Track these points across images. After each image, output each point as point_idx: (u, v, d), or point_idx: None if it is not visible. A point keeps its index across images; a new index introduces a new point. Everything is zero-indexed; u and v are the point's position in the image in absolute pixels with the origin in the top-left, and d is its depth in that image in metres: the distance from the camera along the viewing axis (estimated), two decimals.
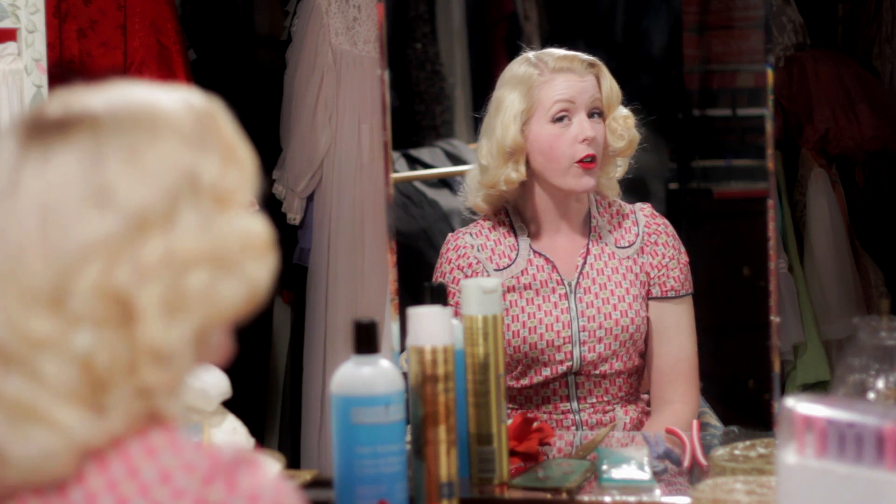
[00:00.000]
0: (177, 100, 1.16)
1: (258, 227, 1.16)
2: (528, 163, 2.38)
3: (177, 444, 1.10)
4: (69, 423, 1.08)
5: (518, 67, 2.40)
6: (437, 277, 2.39)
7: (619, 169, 2.44)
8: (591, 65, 2.39)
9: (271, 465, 1.12)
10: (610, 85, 2.39)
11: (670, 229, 2.43)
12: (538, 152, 2.37)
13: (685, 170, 3.71)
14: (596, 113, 2.38)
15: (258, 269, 1.15)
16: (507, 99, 2.38)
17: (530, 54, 2.41)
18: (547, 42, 2.49)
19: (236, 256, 1.14)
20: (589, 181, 2.36)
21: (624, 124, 2.40)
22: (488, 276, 2.36)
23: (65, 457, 1.08)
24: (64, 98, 1.15)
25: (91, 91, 1.16)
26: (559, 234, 2.41)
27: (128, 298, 1.09)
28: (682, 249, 2.42)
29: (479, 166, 2.42)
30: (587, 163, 2.34)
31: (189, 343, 1.12)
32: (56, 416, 1.08)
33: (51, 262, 1.09)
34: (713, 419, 2.42)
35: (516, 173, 2.37)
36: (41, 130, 1.12)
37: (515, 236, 2.40)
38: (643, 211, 2.44)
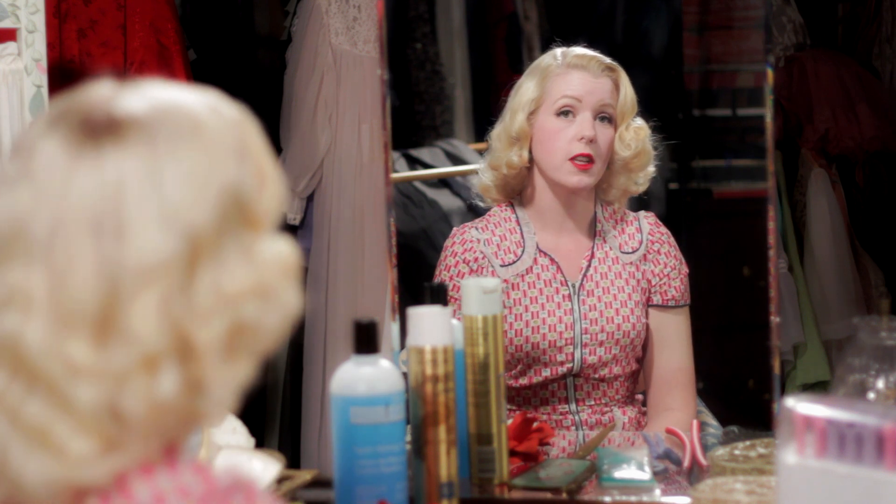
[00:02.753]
0: (214, 109, 1.09)
1: (289, 251, 1.11)
2: (531, 151, 2.39)
3: (174, 465, 1.06)
4: (80, 455, 1.02)
5: (544, 58, 2.43)
6: (442, 271, 2.39)
7: (638, 186, 2.42)
8: (611, 69, 2.39)
9: (268, 495, 1.09)
10: (626, 92, 2.39)
11: (672, 240, 2.43)
12: (539, 142, 2.38)
13: (685, 170, 3.71)
14: (605, 117, 2.37)
15: (292, 294, 1.11)
16: (524, 86, 2.41)
17: (559, 49, 2.42)
18: (547, 42, 2.49)
19: (275, 285, 1.09)
20: (582, 179, 2.35)
21: (634, 135, 2.39)
22: (493, 271, 2.36)
23: (64, 490, 1.03)
24: (101, 96, 1.08)
25: (127, 91, 1.08)
26: (564, 234, 2.41)
27: (186, 333, 1.03)
28: (683, 261, 2.42)
29: (490, 146, 2.44)
30: (582, 162, 2.34)
31: (239, 379, 1.09)
32: (70, 446, 1.02)
33: (103, 281, 1.01)
34: (710, 419, 2.42)
35: (518, 158, 2.39)
36: (92, 130, 1.04)
37: (521, 233, 2.40)
38: (647, 219, 2.44)
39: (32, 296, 1.02)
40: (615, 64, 2.41)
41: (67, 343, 1.02)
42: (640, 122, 2.41)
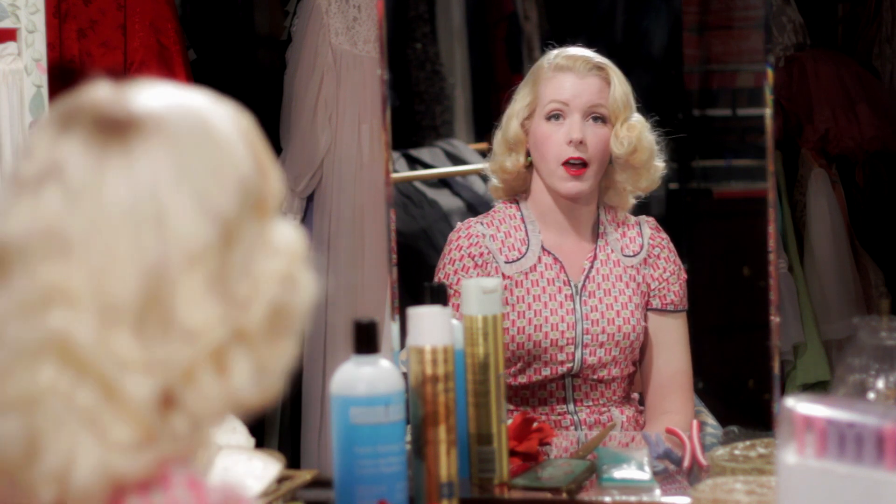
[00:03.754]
0: (214, 105, 1.12)
1: (297, 235, 1.14)
2: (531, 156, 2.40)
3: (167, 479, 1.06)
4: (121, 442, 1.03)
5: (540, 60, 2.43)
6: (446, 265, 2.38)
7: (643, 185, 2.41)
8: (599, 67, 2.37)
9: None
10: (616, 90, 2.36)
11: (672, 245, 2.44)
12: (534, 147, 2.39)
13: (685, 170, 3.71)
14: (598, 117, 2.36)
15: (307, 275, 1.13)
16: (521, 91, 2.41)
17: (553, 51, 2.42)
18: (547, 42, 2.48)
19: (293, 268, 1.11)
20: (575, 185, 2.34)
21: (627, 132, 2.36)
22: (497, 267, 2.36)
23: (103, 480, 1.03)
24: (110, 95, 1.09)
25: (131, 90, 1.10)
26: (568, 234, 2.40)
27: (235, 321, 1.06)
28: (682, 267, 2.43)
29: (492, 150, 2.46)
30: (573, 166, 2.34)
31: (287, 361, 1.11)
32: (112, 432, 1.02)
33: (147, 275, 1.03)
34: (709, 418, 2.42)
35: (512, 164, 2.40)
36: (111, 128, 1.05)
37: (526, 231, 2.40)
38: (648, 223, 2.44)
39: (74, 294, 1.03)
40: (604, 62, 2.38)
41: (114, 338, 1.03)
42: (636, 118, 2.39)
